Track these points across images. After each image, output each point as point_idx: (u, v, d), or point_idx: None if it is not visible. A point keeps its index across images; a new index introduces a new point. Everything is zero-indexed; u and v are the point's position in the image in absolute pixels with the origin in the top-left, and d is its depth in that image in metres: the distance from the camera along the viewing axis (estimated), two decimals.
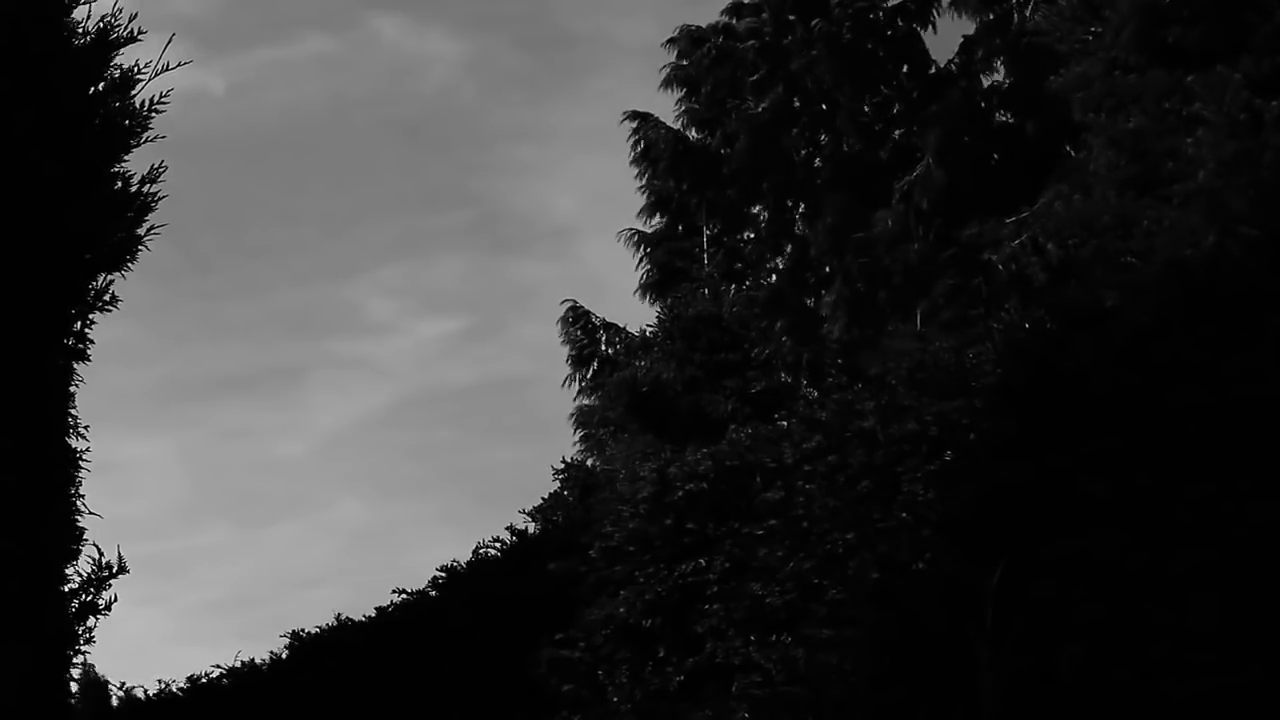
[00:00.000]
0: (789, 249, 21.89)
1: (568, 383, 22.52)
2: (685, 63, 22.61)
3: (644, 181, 22.98)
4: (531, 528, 13.33)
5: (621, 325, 22.60)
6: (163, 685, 14.12)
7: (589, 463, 20.95)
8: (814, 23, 21.11)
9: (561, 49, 40.41)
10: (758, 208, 22.46)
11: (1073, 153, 16.96)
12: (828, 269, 21.03)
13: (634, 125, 22.94)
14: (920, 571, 8.17)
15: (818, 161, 21.30)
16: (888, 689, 8.17)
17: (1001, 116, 20.78)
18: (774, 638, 8.85)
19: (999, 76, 21.05)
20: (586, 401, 22.15)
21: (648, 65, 23.09)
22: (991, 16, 21.03)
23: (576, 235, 40.37)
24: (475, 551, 12.18)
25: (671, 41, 22.87)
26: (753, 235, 22.69)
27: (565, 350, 22.74)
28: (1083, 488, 7.57)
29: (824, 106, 21.25)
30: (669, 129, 22.76)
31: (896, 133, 21.55)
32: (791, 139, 21.14)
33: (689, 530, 9.68)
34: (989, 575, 7.59)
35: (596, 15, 39.52)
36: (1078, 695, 7.34)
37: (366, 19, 41.40)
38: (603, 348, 22.50)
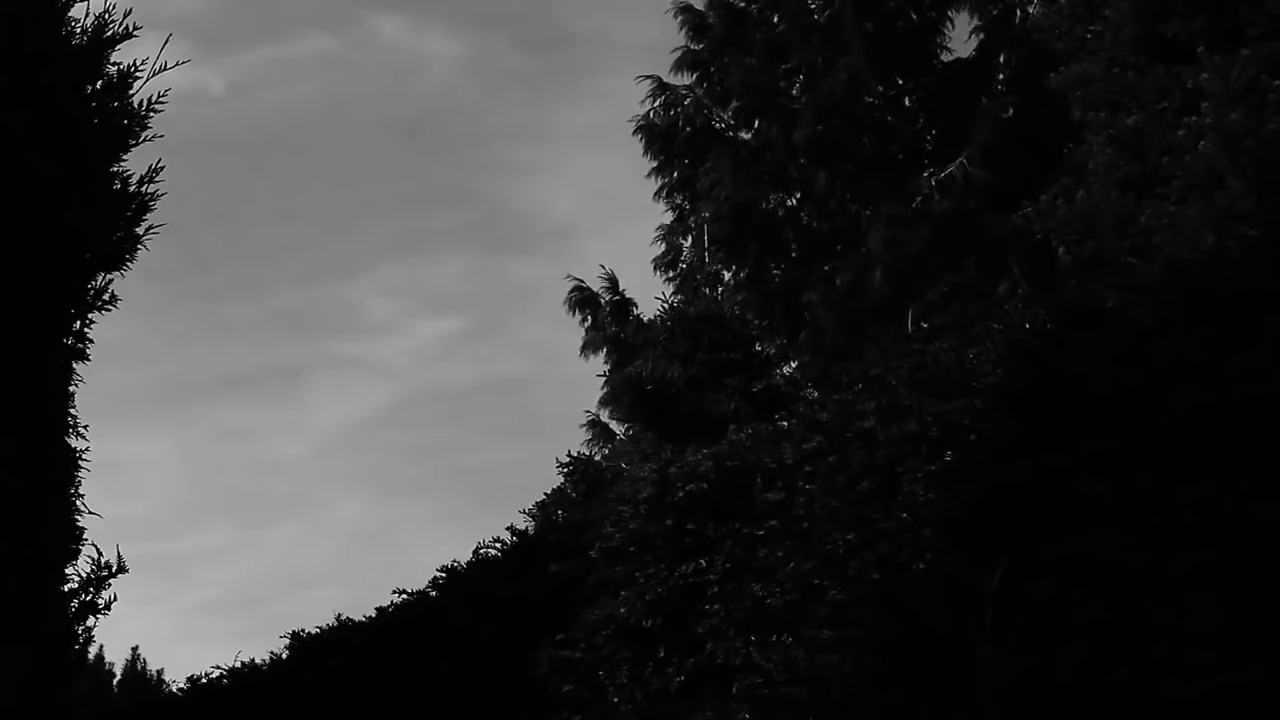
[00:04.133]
0: (795, 244, 21.67)
1: (585, 354, 21.89)
2: (690, 44, 21.79)
3: (658, 160, 21.95)
4: (532, 528, 13.33)
5: (636, 310, 22.15)
6: (164, 681, 14.17)
7: (596, 457, 20.89)
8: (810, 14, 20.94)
9: (561, 49, 40.52)
10: (774, 196, 22.00)
11: (1070, 150, 16.95)
12: (839, 265, 20.89)
13: (652, 88, 21.76)
14: (920, 572, 8.17)
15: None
16: (888, 689, 8.17)
17: (1006, 111, 20.69)
18: (774, 638, 8.85)
19: (1002, 74, 20.97)
20: (600, 374, 21.74)
21: (648, 65, 22.61)
22: (995, 13, 20.95)
23: (576, 235, 40.43)
24: (475, 552, 12.20)
25: (682, 15, 21.84)
26: (772, 225, 22.15)
27: (578, 333, 22.11)
28: (1083, 488, 7.56)
29: (841, 99, 20.94)
30: (698, 100, 21.57)
31: (909, 126, 21.39)
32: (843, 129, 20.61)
33: (689, 531, 9.68)
34: (989, 575, 7.58)
35: (596, 15, 39.61)
36: (1078, 695, 7.34)
37: (366, 18, 41.51)
38: (613, 329, 22.02)
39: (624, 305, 22.11)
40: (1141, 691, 7.14)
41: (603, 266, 22.69)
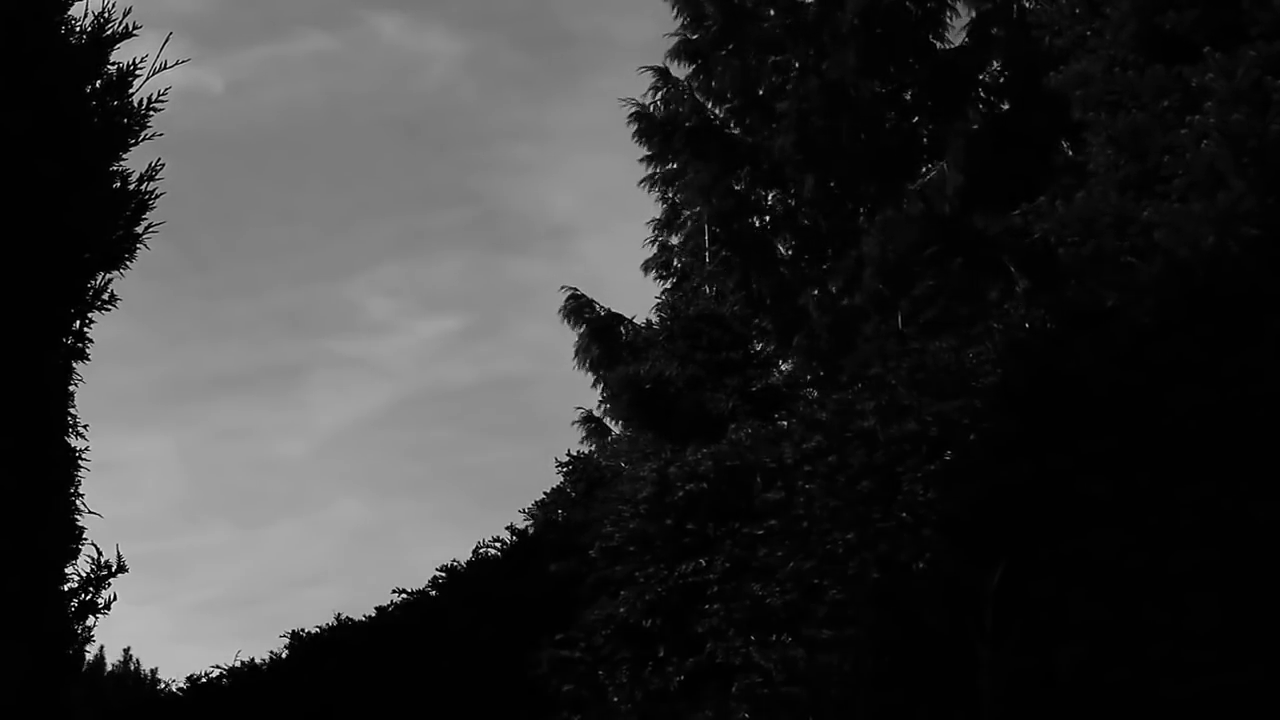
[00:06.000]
0: (794, 242, 21.55)
1: (580, 364, 21.83)
2: (687, 33, 21.54)
3: (654, 154, 21.76)
4: (531, 527, 13.32)
5: (629, 316, 22.14)
6: (162, 685, 14.17)
7: (591, 451, 20.86)
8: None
9: (561, 48, 40.52)
10: (769, 195, 21.84)
11: (1070, 150, 16.94)
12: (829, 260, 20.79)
13: (653, 80, 21.35)
14: (920, 571, 8.17)
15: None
16: (888, 689, 8.16)
17: (1001, 108, 20.60)
18: (774, 638, 8.85)
19: (998, 67, 20.88)
20: (596, 384, 21.70)
21: (648, 65, 22.38)
22: (990, 7, 20.83)
23: (576, 234, 40.43)
24: (475, 551, 12.18)
25: (679, 3, 21.59)
26: (765, 223, 21.98)
27: (571, 339, 22.03)
28: (1083, 488, 7.56)
29: (835, 95, 20.74)
30: (694, 99, 21.28)
31: (907, 121, 21.24)
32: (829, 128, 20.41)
33: (689, 530, 9.67)
34: (989, 575, 7.58)
35: (596, 14, 39.60)
36: (1078, 695, 7.34)
37: (365, 17, 41.50)
38: (613, 334, 21.96)
39: (611, 323, 22.08)
40: (1141, 691, 7.14)
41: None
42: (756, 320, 20.68)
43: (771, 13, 21.32)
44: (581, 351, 21.84)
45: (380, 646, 11.84)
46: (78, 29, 7.86)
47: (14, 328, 7.60)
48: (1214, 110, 12.16)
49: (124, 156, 7.97)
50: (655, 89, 21.56)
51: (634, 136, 21.64)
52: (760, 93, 21.23)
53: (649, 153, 21.87)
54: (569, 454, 19.02)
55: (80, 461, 8.13)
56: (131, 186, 7.98)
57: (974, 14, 20.96)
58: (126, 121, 7.89)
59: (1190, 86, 12.86)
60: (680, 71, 21.56)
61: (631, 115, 21.57)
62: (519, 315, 42.78)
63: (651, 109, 21.61)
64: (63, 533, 8.06)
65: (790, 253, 21.57)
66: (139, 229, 8.03)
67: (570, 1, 40.66)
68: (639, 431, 19.57)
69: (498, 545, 12.07)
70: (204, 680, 13.62)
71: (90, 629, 8.32)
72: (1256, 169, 11.62)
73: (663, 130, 21.50)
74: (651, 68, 21.66)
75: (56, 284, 7.77)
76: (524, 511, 18.24)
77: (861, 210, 20.61)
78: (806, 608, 8.73)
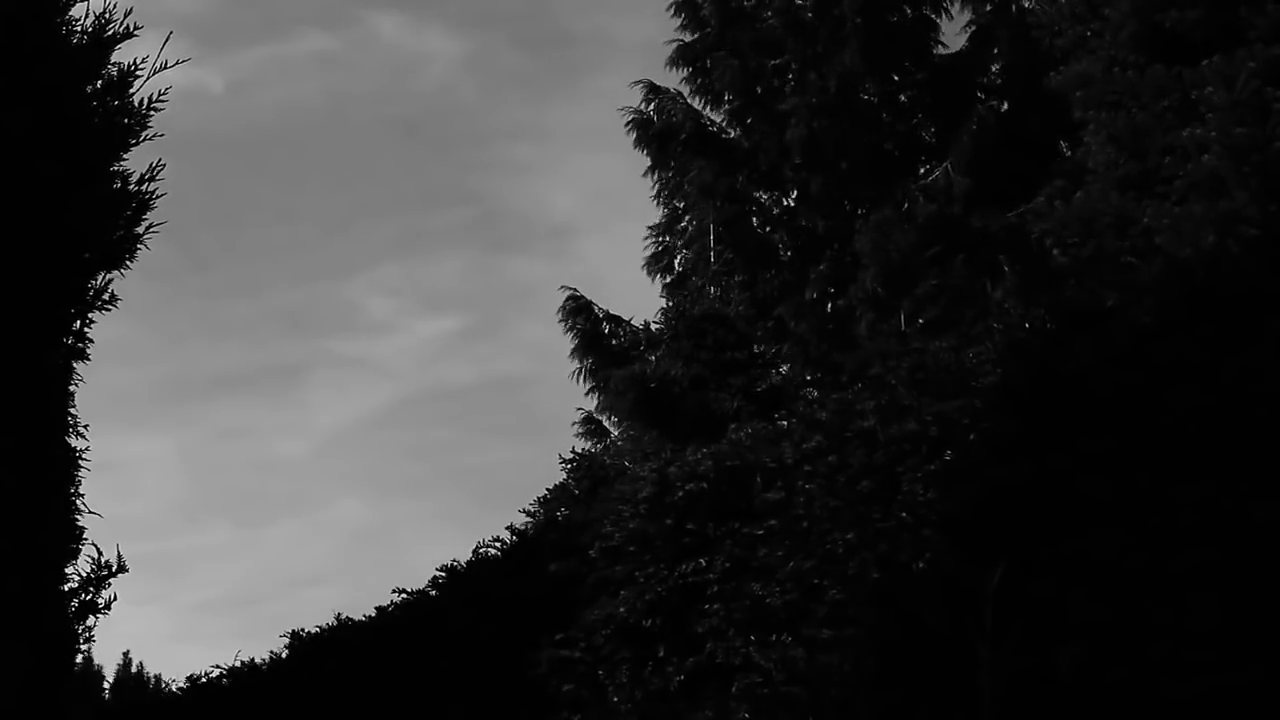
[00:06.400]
0: (793, 243, 21.54)
1: (575, 376, 21.86)
2: (685, 36, 21.53)
3: (654, 162, 21.74)
4: (531, 526, 13.33)
5: (627, 318, 22.17)
6: (163, 685, 14.18)
7: (599, 453, 20.87)
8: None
9: (561, 48, 40.57)
10: (766, 196, 21.81)
11: (1069, 150, 16.96)
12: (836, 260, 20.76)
13: (645, 92, 21.41)
14: (920, 571, 8.18)
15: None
16: (888, 689, 8.17)
17: (1000, 108, 20.60)
18: (774, 638, 8.85)
19: (998, 68, 20.88)
20: (592, 391, 21.69)
21: (647, 64, 22.35)
22: (989, 8, 20.82)
23: (575, 234, 40.49)
24: (475, 551, 12.18)
25: (676, 6, 21.55)
26: (763, 224, 21.94)
27: (568, 341, 22.00)
28: (1083, 488, 7.57)
29: (834, 96, 20.71)
30: (689, 106, 21.35)
31: (904, 124, 21.21)
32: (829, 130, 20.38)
33: (689, 530, 9.68)
34: (989, 575, 7.59)
35: (596, 14, 39.66)
36: (1077, 695, 7.34)
37: (365, 17, 41.55)
38: (607, 340, 21.98)
39: (607, 326, 22.07)
40: (1141, 691, 7.14)
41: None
42: (759, 320, 20.70)
43: (768, 14, 21.32)
44: (578, 354, 21.86)
45: (380, 646, 11.85)
46: (78, 29, 7.88)
47: (14, 328, 7.61)
48: (1215, 122, 12.18)
49: (124, 156, 7.99)
50: (648, 99, 21.63)
51: (635, 144, 21.71)
52: (759, 91, 21.23)
53: (649, 162, 21.90)
54: (573, 451, 19.05)
55: (80, 461, 8.15)
56: (132, 187, 7.99)
57: (973, 15, 20.97)
58: (127, 121, 7.90)
59: (1191, 98, 12.88)
60: (680, 72, 21.59)
61: (629, 123, 21.61)
62: (519, 315, 42.90)
63: (650, 115, 21.63)
64: (63, 533, 8.07)
65: (790, 254, 21.56)
66: (139, 229, 8.04)
67: (570, 1, 40.72)
68: (642, 431, 19.59)
69: (498, 545, 12.08)
70: (204, 680, 13.63)
71: (90, 629, 8.33)
72: (1259, 179, 11.64)
73: (660, 138, 21.53)
74: (640, 81, 21.75)
75: (56, 284, 7.78)
76: (524, 511, 18.27)
77: (860, 211, 20.61)
78: (806, 608, 8.74)
